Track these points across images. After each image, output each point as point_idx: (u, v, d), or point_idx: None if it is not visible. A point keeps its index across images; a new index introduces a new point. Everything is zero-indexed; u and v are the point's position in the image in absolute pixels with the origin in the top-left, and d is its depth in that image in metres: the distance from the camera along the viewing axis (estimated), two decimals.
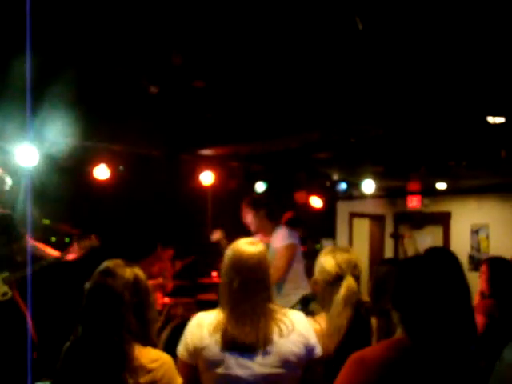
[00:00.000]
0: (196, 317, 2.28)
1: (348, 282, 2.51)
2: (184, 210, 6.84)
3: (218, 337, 2.16)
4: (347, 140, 5.44)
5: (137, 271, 2.21)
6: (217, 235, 5.21)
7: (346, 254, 2.62)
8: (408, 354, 1.66)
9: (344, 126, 5.01)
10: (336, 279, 2.53)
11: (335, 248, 2.68)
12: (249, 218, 4.86)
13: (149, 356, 2.08)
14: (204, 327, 2.20)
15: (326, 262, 2.56)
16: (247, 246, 2.30)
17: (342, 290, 2.48)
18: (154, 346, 2.18)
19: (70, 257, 4.62)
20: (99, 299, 2.12)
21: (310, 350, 2.25)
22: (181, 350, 2.25)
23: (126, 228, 6.03)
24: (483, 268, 3.87)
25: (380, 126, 4.98)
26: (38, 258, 4.53)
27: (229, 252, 2.32)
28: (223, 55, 3.66)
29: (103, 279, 2.14)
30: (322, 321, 2.51)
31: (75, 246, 4.60)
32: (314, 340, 2.28)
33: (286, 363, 2.17)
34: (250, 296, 2.22)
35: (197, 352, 2.18)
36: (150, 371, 2.04)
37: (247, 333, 2.15)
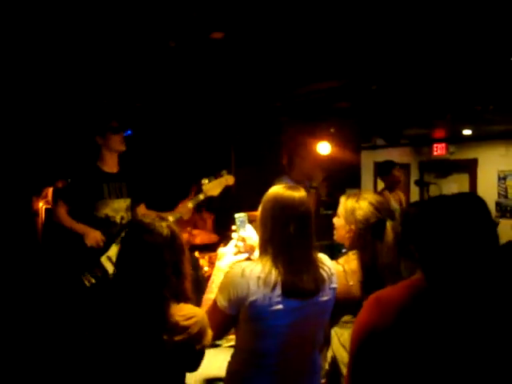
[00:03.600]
0: (238, 266, 2.17)
1: (390, 223, 2.53)
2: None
3: (269, 289, 2.07)
4: (369, 87, 5.33)
5: (172, 226, 2.15)
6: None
7: (377, 196, 2.63)
8: (422, 296, 1.65)
9: (365, 72, 4.91)
10: (378, 225, 2.52)
11: (359, 192, 2.65)
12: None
13: (183, 313, 2.05)
14: (251, 279, 2.09)
15: (363, 207, 2.54)
16: (293, 191, 2.20)
17: (389, 233, 2.49)
18: (187, 301, 2.15)
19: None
20: (137, 256, 2.05)
21: (335, 295, 2.29)
22: (221, 300, 2.14)
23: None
24: None
25: (401, 73, 4.87)
26: None
27: (275, 196, 2.20)
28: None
29: (139, 235, 2.08)
30: (345, 262, 2.53)
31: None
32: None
33: (326, 309, 2.23)
34: (305, 241, 2.16)
35: (241, 304, 2.10)
36: (185, 329, 2.03)
37: (306, 280, 2.11)
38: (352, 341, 1.75)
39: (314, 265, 2.18)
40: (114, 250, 3.75)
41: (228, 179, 3.95)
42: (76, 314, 3.41)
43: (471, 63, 4.57)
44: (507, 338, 1.61)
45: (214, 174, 3.91)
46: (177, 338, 2.00)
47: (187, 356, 2.08)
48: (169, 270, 2.05)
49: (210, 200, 4.07)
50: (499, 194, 9.57)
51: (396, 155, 9.61)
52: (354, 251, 2.57)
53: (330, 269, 2.25)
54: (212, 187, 3.90)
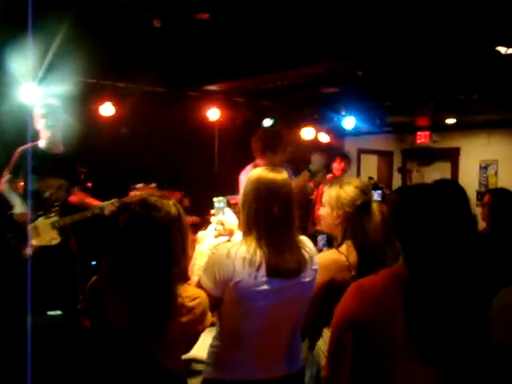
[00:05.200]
0: (224, 247, 2.18)
1: (376, 205, 2.54)
2: (190, 147, 6.81)
3: (254, 269, 2.08)
4: (354, 74, 5.33)
5: (178, 205, 2.08)
6: None
7: (359, 181, 2.64)
8: (403, 283, 1.66)
9: (351, 58, 4.90)
10: (364, 206, 2.53)
11: (341, 180, 2.66)
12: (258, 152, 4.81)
13: (188, 294, 2.02)
14: (236, 260, 2.09)
15: (348, 191, 2.54)
16: (276, 173, 2.21)
17: (377, 215, 2.51)
18: (186, 281, 2.13)
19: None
20: (146, 233, 1.97)
21: (316, 274, 2.30)
22: (206, 281, 2.13)
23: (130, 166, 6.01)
24: (486, 198, 3.82)
25: (387, 59, 4.87)
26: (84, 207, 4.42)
27: (258, 179, 2.20)
28: None
29: (147, 212, 1.98)
30: (347, 253, 2.49)
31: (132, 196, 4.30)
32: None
33: (308, 290, 2.23)
34: (288, 222, 2.17)
35: (226, 284, 2.09)
36: (190, 310, 1.99)
37: (289, 260, 2.13)
38: (333, 328, 1.77)
39: (297, 246, 2.19)
40: (41, 223, 4.24)
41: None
42: None
43: (456, 52, 4.58)
44: (484, 324, 1.64)
45: (145, 183, 4.31)
46: (183, 319, 1.97)
47: (191, 337, 2.06)
48: (177, 248, 2.00)
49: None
50: (480, 183, 9.66)
51: (379, 142, 9.67)
52: (349, 240, 2.53)
53: (310, 250, 2.26)
54: (139, 195, 4.13)
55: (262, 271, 2.09)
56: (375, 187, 6.10)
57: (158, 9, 3.96)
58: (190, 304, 1.99)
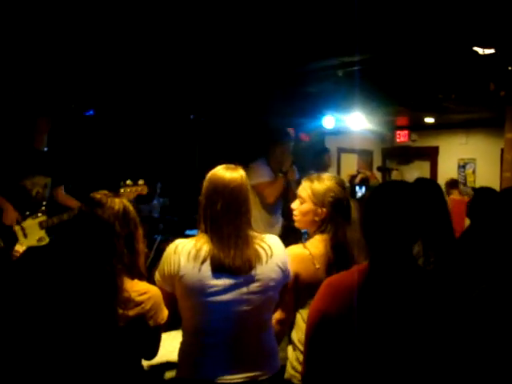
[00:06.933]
0: (173, 243, 2.25)
1: (353, 202, 2.59)
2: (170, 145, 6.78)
3: (198, 263, 2.15)
4: (335, 73, 5.36)
5: (126, 202, 2.19)
6: None
7: (337, 177, 2.67)
8: (369, 279, 1.70)
9: (331, 58, 4.93)
10: (345, 202, 2.56)
11: (318, 175, 2.66)
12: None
13: (137, 288, 2.09)
14: (182, 254, 2.18)
15: (332, 187, 2.57)
16: (228, 170, 2.29)
17: (354, 209, 2.55)
18: (142, 277, 2.18)
19: None
20: (89, 229, 2.09)
21: (286, 274, 2.31)
22: (158, 276, 2.25)
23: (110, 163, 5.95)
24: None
25: (367, 59, 4.90)
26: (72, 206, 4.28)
27: (210, 176, 2.30)
28: None
29: (91, 209, 2.11)
30: (311, 246, 2.53)
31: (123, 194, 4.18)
32: (288, 264, 2.33)
33: (266, 288, 2.21)
34: (232, 218, 2.21)
35: (173, 279, 2.18)
36: (138, 304, 2.06)
37: (233, 256, 2.16)
38: (307, 325, 1.80)
39: (246, 241, 2.22)
40: (28, 223, 4.06)
41: (143, 189, 4.16)
42: None
43: (434, 53, 4.63)
44: (447, 321, 1.67)
45: (133, 181, 4.11)
46: (130, 313, 2.03)
47: (141, 333, 2.10)
48: (120, 242, 2.09)
49: None
50: (459, 181, 9.77)
51: (359, 141, 9.72)
52: (319, 235, 2.57)
53: (270, 247, 2.26)
54: (127, 193, 4.10)
55: (207, 265, 2.14)
56: (363, 182, 6.16)
57: None
58: (138, 298, 2.06)
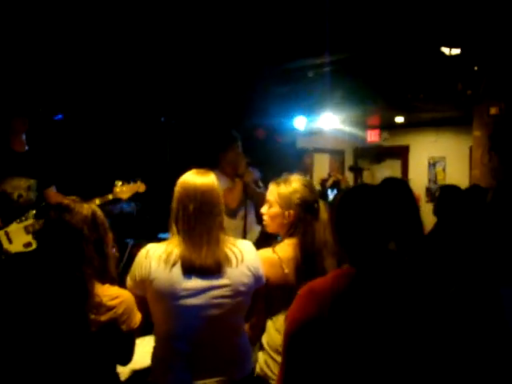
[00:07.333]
0: (145, 248, 2.26)
1: (322, 204, 2.57)
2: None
3: (169, 267, 2.15)
4: (305, 74, 5.38)
5: (94, 207, 2.18)
6: None
7: (304, 178, 2.64)
8: (353, 282, 1.69)
9: (301, 59, 4.94)
10: (313, 204, 2.55)
11: (286, 178, 2.64)
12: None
13: (108, 293, 2.09)
14: (153, 258, 2.18)
15: (299, 189, 2.55)
16: (199, 175, 2.31)
17: (323, 211, 2.54)
18: (113, 282, 2.17)
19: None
20: (57, 234, 2.08)
21: (257, 279, 2.30)
22: (129, 281, 2.25)
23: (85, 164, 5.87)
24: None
25: (338, 60, 4.94)
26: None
27: (181, 182, 2.31)
28: None
29: (59, 215, 2.10)
30: (280, 250, 2.51)
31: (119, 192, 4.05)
32: (261, 270, 2.33)
33: (237, 293, 2.21)
34: (204, 219, 2.22)
35: (144, 283, 2.18)
36: (110, 309, 2.05)
37: (204, 256, 2.16)
38: (285, 334, 1.75)
39: (217, 242, 2.22)
40: (13, 227, 3.87)
41: (140, 187, 4.12)
42: None
43: (403, 53, 4.68)
44: (431, 320, 1.68)
45: (129, 179, 4.06)
46: (102, 318, 2.02)
47: (114, 338, 2.08)
48: (89, 247, 2.08)
49: None
50: (429, 179, 9.90)
51: (331, 141, 9.77)
52: (289, 238, 2.55)
53: (241, 252, 2.27)
54: (123, 190, 4.05)
55: (177, 269, 2.15)
56: (334, 185, 6.18)
57: None
58: (110, 303, 2.06)
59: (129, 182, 4.06)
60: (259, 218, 4.89)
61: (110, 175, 4.26)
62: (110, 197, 4.03)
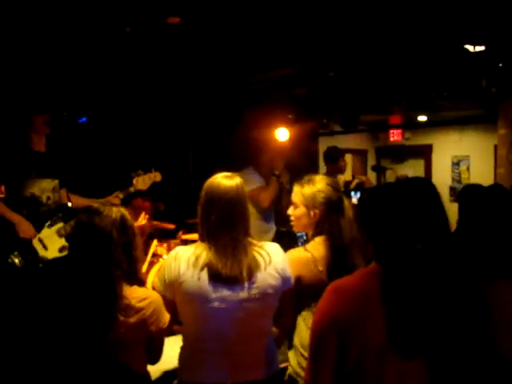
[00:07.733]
0: (174, 250, 2.28)
1: (347, 202, 2.60)
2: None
3: (197, 270, 2.16)
4: (326, 74, 5.36)
5: (123, 211, 2.21)
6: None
7: (328, 178, 2.67)
8: (379, 281, 1.67)
9: (322, 58, 4.93)
10: (338, 202, 2.56)
11: (310, 178, 2.65)
12: None
13: (137, 295, 2.11)
14: (182, 261, 2.19)
15: (323, 189, 2.57)
16: (224, 179, 2.29)
17: (348, 208, 2.56)
18: (141, 284, 2.21)
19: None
20: (87, 238, 2.11)
21: (285, 281, 2.30)
22: (157, 283, 2.27)
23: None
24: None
25: (358, 59, 4.91)
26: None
27: (206, 186, 2.30)
28: None
29: (89, 218, 2.13)
30: (312, 249, 2.52)
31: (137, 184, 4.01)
32: (288, 271, 2.33)
33: (265, 295, 2.21)
34: (227, 229, 2.22)
35: (173, 286, 2.19)
36: (139, 310, 2.08)
37: (230, 266, 2.16)
38: (312, 332, 1.76)
39: (243, 250, 2.22)
40: (45, 233, 3.75)
41: (156, 175, 4.08)
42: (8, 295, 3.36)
43: (426, 50, 4.64)
44: (459, 318, 1.66)
45: (144, 170, 4.04)
46: (131, 320, 2.05)
47: (148, 339, 2.13)
48: (118, 250, 2.11)
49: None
50: (453, 178, 9.80)
51: (353, 141, 9.73)
52: (319, 237, 2.57)
53: (268, 254, 2.26)
54: (142, 182, 4.02)
55: (205, 273, 2.16)
56: (358, 187, 6.08)
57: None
58: (139, 305, 2.09)
59: (145, 173, 4.05)
60: (279, 219, 4.90)
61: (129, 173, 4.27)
62: (132, 189, 4.02)
